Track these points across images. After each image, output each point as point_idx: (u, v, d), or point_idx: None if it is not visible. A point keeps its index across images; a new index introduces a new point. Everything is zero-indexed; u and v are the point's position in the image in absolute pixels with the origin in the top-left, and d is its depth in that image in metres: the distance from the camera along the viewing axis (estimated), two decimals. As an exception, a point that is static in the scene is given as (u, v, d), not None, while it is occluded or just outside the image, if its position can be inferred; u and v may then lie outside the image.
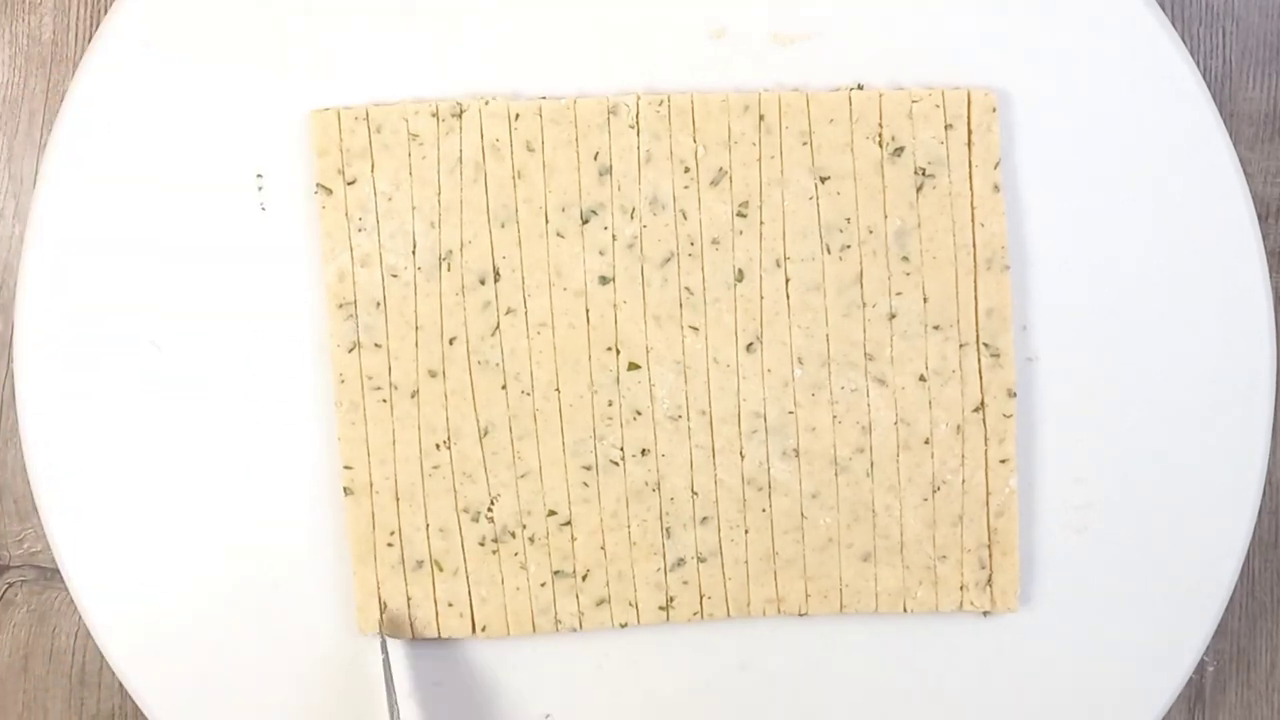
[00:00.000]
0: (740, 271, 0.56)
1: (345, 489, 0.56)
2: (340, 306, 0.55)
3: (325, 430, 0.56)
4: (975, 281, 0.57)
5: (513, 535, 0.56)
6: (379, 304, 0.55)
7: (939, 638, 0.58)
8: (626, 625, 0.57)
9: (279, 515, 0.56)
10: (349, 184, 0.55)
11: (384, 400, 0.56)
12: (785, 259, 0.56)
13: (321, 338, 0.56)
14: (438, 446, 0.56)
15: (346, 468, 0.56)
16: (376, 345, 0.55)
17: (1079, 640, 0.58)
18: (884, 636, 0.58)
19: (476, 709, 0.57)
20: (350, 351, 0.55)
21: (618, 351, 0.56)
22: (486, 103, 0.55)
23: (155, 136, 0.55)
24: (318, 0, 0.55)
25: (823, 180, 0.56)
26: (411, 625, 0.56)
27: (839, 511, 0.57)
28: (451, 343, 0.56)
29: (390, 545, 0.56)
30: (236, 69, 0.55)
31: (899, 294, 0.56)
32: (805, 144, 0.56)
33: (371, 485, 0.56)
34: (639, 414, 0.56)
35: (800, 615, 0.57)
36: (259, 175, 0.55)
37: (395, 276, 0.55)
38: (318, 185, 0.55)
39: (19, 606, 0.61)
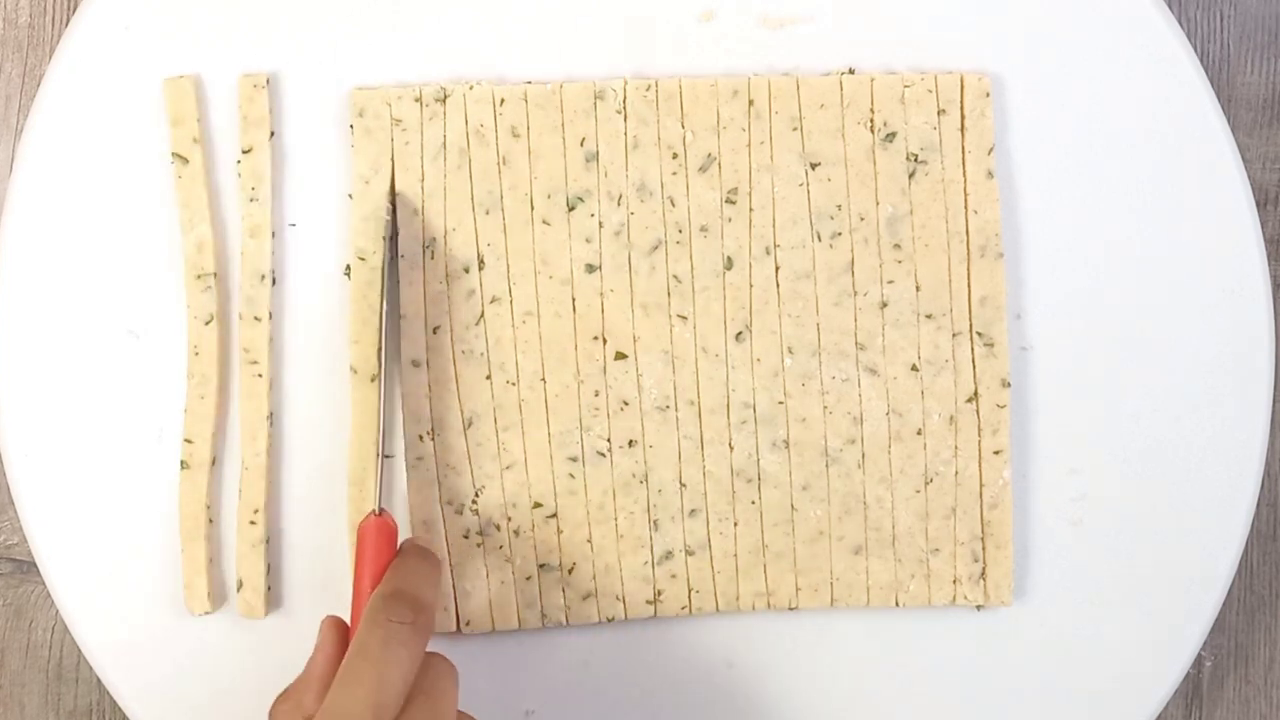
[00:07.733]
0: (729, 259, 0.55)
1: (183, 463, 0.54)
2: (198, 278, 0.53)
3: (310, 420, 0.55)
4: (968, 269, 0.56)
5: (497, 528, 0.55)
6: (361, 292, 0.54)
7: (931, 632, 0.57)
8: (614, 620, 0.56)
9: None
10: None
11: (366, 390, 0.55)
12: (775, 246, 0.55)
13: (306, 324, 0.55)
14: (421, 438, 0.55)
15: (187, 441, 0.54)
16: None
17: (1074, 635, 0.57)
18: (875, 632, 0.57)
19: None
20: (208, 324, 0.53)
21: (604, 341, 0.55)
22: (471, 88, 0.54)
23: (133, 121, 0.54)
24: (300, -16, 0.54)
25: (813, 166, 0.55)
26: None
27: (830, 504, 0.56)
28: (435, 332, 0.55)
29: (373, 538, 0.55)
30: (217, 53, 0.54)
31: (890, 282, 0.55)
32: (795, 129, 0.55)
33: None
34: (626, 404, 0.55)
35: (790, 610, 0.56)
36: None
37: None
38: (173, 154, 0.53)
39: (-5, 600, 0.61)
